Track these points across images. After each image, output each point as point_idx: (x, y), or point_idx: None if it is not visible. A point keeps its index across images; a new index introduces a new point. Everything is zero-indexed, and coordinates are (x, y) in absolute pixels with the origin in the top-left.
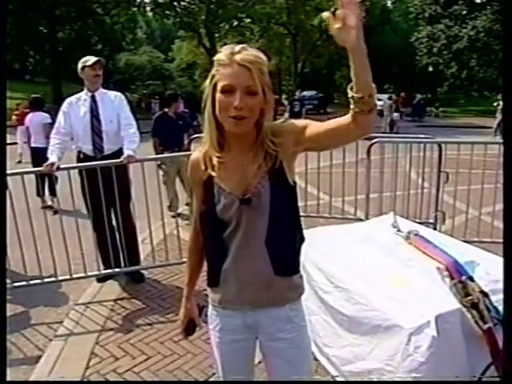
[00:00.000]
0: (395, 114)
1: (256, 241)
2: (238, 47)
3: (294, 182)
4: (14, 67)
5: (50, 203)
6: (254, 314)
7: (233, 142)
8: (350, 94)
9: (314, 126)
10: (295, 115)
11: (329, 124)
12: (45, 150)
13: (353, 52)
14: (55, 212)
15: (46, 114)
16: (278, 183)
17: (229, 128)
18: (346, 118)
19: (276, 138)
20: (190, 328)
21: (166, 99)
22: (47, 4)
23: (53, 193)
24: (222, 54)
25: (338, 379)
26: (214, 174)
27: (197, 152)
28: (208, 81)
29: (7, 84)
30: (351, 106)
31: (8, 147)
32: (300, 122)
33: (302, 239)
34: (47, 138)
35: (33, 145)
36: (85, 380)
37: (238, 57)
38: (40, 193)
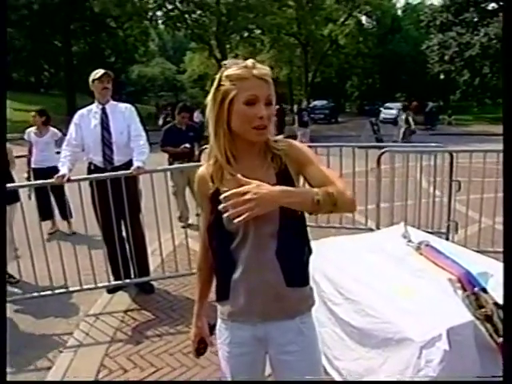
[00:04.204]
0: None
1: (265, 251)
2: (249, 62)
3: None
4: (29, 80)
5: (60, 228)
6: (264, 326)
7: (243, 151)
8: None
9: (312, 171)
10: (303, 124)
11: (324, 180)
12: (50, 169)
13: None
14: (69, 235)
15: (55, 130)
16: None
17: (252, 138)
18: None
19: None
20: (201, 348)
21: (182, 109)
22: (62, 19)
23: (64, 216)
24: (240, 70)
25: None
26: (225, 188)
27: (203, 168)
28: (220, 96)
29: (23, 97)
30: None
31: (18, 160)
32: (303, 154)
33: (310, 250)
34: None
35: (34, 165)
36: None
37: (255, 71)
38: (45, 216)
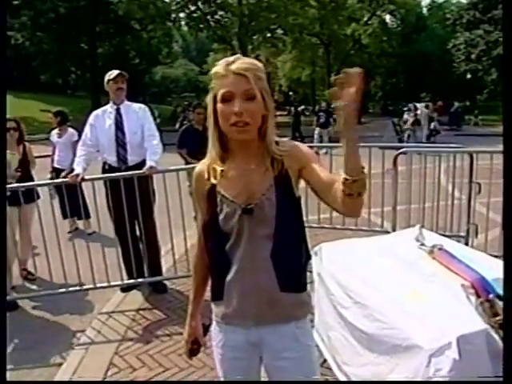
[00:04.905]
0: (435, 123)
1: (259, 254)
2: (232, 58)
3: (299, 197)
4: (56, 82)
5: (80, 226)
6: (258, 331)
7: (237, 151)
8: (343, 179)
9: (314, 173)
10: (321, 126)
11: (326, 182)
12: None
13: (346, 129)
14: (90, 234)
15: (73, 131)
16: (284, 195)
17: (233, 136)
18: (335, 194)
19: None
20: (194, 348)
21: (196, 106)
22: (87, 22)
23: (79, 215)
24: (218, 67)
25: None
26: (216, 182)
27: (200, 164)
28: (208, 96)
29: (50, 98)
30: (341, 187)
31: (40, 160)
32: (305, 155)
33: (308, 256)
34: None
35: (56, 165)
36: None
37: (233, 66)
38: (66, 215)
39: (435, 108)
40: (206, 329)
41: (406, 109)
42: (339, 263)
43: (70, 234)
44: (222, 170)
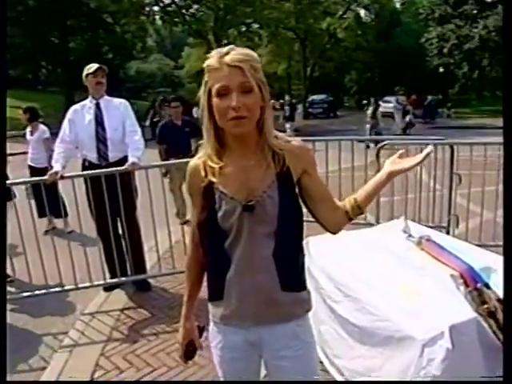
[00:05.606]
0: (410, 116)
1: (260, 252)
2: (225, 49)
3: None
4: (27, 77)
5: (57, 225)
6: (257, 330)
7: (234, 146)
8: (354, 204)
9: (316, 180)
10: (287, 118)
11: (323, 194)
12: (44, 170)
13: (388, 180)
14: (69, 232)
15: (44, 128)
16: (286, 193)
17: (230, 131)
18: (333, 209)
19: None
20: (189, 351)
21: (168, 100)
22: (59, 15)
23: (58, 214)
24: (211, 59)
25: None
26: (214, 179)
27: (196, 159)
28: (202, 89)
29: (20, 94)
30: (349, 212)
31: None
32: (312, 160)
33: (303, 254)
34: (47, 153)
35: (30, 163)
36: None
37: (227, 58)
38: (42, 213)
39: (410, 101)
40: (201, 330)
41: (365, 102)
42: (328, 257)
43: (46, 233)
44: (220, 167)
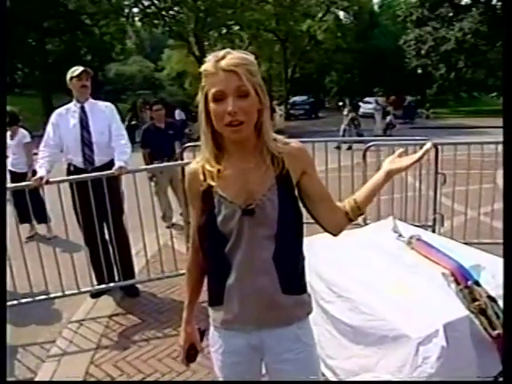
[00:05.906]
0: (390, 117)
1: (260, 255)
2: (221, 53)
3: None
4: None
5: (39, 232)
6: (259, 334)
7: (233, 149)
8: (354, 205)
9: (315, 181)
10: None
11: (322, 195)
12: (25, 175)
13: (387, 179)
14: (49, 239)
15: (24, 132)
16: (286, 196)
17: (228, 136)
18: (332, 210)
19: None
20: (191, 355)
21: (150, 103)
22: (36, 16)
23: (41, 219)
24: (207, 64)
25: None
26: (213, 183)
27: (194, 163)
28: (199, 95)
29: None
30: (349, 213)
31: None
32: (311, 161)
33: (303, 256)
34: (28, 158)
35: (10, 168)
36: None
37: (222, 63)
38: (23, 219)
39: (389, 102)
40: (202, 333)
41: (341, 104)
42: (320, 257)
43: (28, 240)
44: (218, 170)
